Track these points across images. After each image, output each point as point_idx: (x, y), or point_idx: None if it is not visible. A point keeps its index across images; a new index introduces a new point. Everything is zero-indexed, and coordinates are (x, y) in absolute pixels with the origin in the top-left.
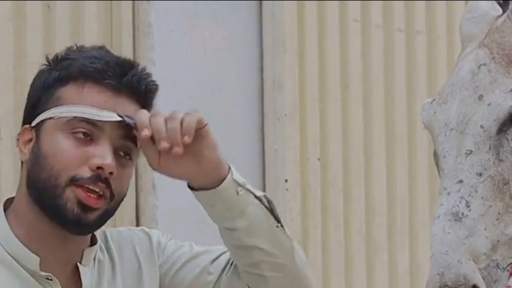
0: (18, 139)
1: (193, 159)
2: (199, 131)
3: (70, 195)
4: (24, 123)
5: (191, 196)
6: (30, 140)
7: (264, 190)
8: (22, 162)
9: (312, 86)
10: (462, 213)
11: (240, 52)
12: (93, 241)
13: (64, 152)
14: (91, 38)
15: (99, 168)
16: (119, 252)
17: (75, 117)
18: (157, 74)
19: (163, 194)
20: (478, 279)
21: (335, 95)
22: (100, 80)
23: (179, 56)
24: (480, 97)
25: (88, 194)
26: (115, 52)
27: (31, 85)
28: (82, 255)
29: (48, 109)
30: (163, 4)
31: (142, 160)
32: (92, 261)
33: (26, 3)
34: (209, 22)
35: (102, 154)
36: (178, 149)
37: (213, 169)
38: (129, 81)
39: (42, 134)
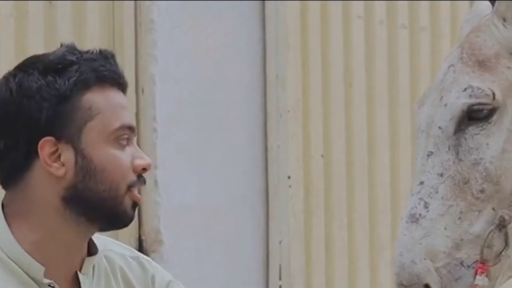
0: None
1: None
2: None
3: (128, 201)
4: (31, 135)
5: (194, 194)
6: (55, 152)
7: (266, 186)
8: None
9: (315, 83)
10: (420, 214)
11: (242, 49)
12: (91, 251)
13: (119, 162)
14: (93, 34)
15: (143, 169)
16: (123, 277)
17: (121, 126)
18: (159, 70)
19: (165, 191)
20: (431, 278)
21: (338, 92)
22: (114, 80)
23: (182, 53)
24: (441, 98)
25: (139, 194)
26: (118, 49)
27: (26, 97)
28: (83, 263)
29: (81, 119)
30: (165, 1)
31: None
32: (91, 271)
33: None
34: (211, 19)
35: (140, 155)
36: None
37: None
38: (122, 75)
39: (86, 147)
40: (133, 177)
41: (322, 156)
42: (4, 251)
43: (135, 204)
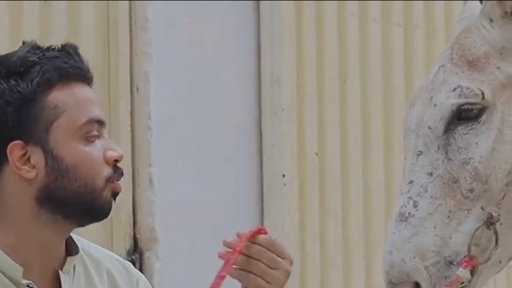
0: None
1: None
2: None
3: (108, 193)
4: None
5: (189, 192)
6: (24, 155)
7: (261, 185)
8: None
9: (310, 81)
10: (409, 213)
11: (237, 47)
12: (71, 250)
13: (90, 158)
14: (87, 32)
15: (115, 160)
16: (110, 278)
17: (88, 121)
18: (154, 68)
19: (160, 189)
20: (420, 277)
21: (333, 90)
22: (78, 75)
23: (176, 51)
24: (431, 98)
25: (119, 183)
26: (112, 47)
27: None
28: (64, 263)
29: (47, 119)
30: None
31: (139, 155)
32: (72, 270)
33: None
34: (206, 17)
35: (112, 147)
36: None
37: None
38: (86, 68)
39: (55, 146)
40: (108, 171)
41: (317, 154)
42: None
43: (114, 194)
